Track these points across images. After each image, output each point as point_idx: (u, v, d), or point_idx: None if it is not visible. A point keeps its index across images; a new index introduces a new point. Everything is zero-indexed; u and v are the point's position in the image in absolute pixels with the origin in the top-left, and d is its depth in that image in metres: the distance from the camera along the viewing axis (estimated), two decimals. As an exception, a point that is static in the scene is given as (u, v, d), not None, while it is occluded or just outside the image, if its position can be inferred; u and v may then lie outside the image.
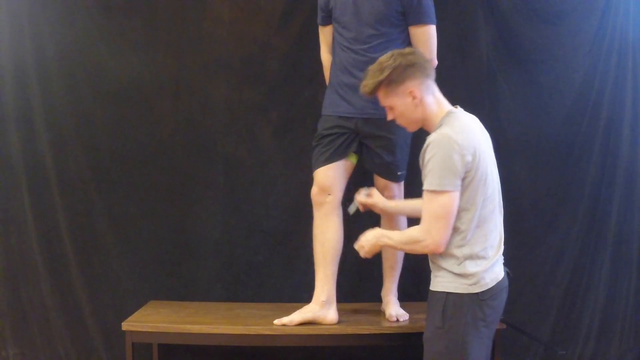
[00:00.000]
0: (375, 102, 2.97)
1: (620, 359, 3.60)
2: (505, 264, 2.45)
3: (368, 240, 2.52)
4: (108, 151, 3.53)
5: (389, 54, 2.43)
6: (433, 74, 2.43)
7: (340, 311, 3.02)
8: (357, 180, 3.22)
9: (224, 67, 3.53)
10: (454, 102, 2.47)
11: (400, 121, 2.48)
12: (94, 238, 3.52)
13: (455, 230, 2.33)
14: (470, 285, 2.33)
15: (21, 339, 3.51)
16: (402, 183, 3.13)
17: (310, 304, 2.99)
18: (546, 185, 3.60)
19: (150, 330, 2.95)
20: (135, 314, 3.16)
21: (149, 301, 3.42)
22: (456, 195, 2.30)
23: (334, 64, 3.08)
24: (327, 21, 3.10)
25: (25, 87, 3.48)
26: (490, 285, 2.35)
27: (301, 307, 2.99)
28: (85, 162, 3.51)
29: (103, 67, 3.50)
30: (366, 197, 2.82)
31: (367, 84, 2.43)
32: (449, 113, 2.39)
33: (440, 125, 2.36)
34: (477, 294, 2.33)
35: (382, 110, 2.97)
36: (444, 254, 2.36)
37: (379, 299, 3.25)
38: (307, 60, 3.46)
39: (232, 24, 3.52)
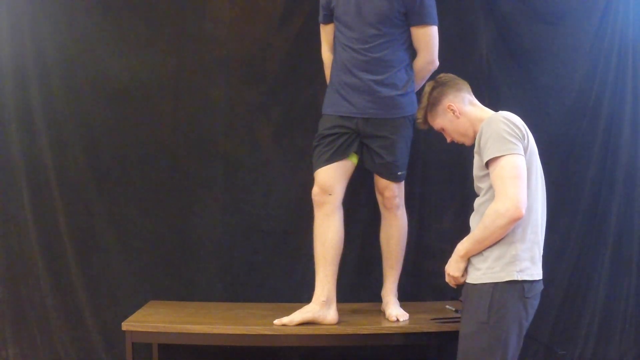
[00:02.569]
0: (376, 102, 2.99)
1: (621, 359, 3.60)
2: None
3: (450, 266, 2.47)
4: (108, 151, 3.52)
5: (428, 83, 2.62)
6: (467, 88, 2.56)
7: (340, 311, 3.02)
8: (357, 180, 3.22)
9: (224, 67, 3.53)
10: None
11: (456, 138, 2.58)
12: (94, 238, 3.52)
13: None
14: (518, 272, 2.32)
15: (21, 339, 3.50)
16: (403, 183, 3.13)
17: (310, 304, 2.99)
18: (546, 185, 3.59)
19: (150, 330, 2.95)
20: (135, 314, 3.15)
21: (149, 301, 3.42)
22: (521, 158, 2.31)
23: (335, 63, 3.08)
24: (328, 20, 3.10)
25: (25, 87, 3.47)
26: (535, 278, 2.36)
27: (301, 307, 2.99)
28: (85, 162, 3.51)
29: (103, 67, 3.49)
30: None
31: (418, 117, 2.63)
32: (496, 113, 2.46)
33: None
34: (522, 285, 2.31)
35: (382, 111, 3.00)
36: None
37: (379, 299, 3.24)
38: (307, 60, 3.46)
39: (232, 24, 3.51)
